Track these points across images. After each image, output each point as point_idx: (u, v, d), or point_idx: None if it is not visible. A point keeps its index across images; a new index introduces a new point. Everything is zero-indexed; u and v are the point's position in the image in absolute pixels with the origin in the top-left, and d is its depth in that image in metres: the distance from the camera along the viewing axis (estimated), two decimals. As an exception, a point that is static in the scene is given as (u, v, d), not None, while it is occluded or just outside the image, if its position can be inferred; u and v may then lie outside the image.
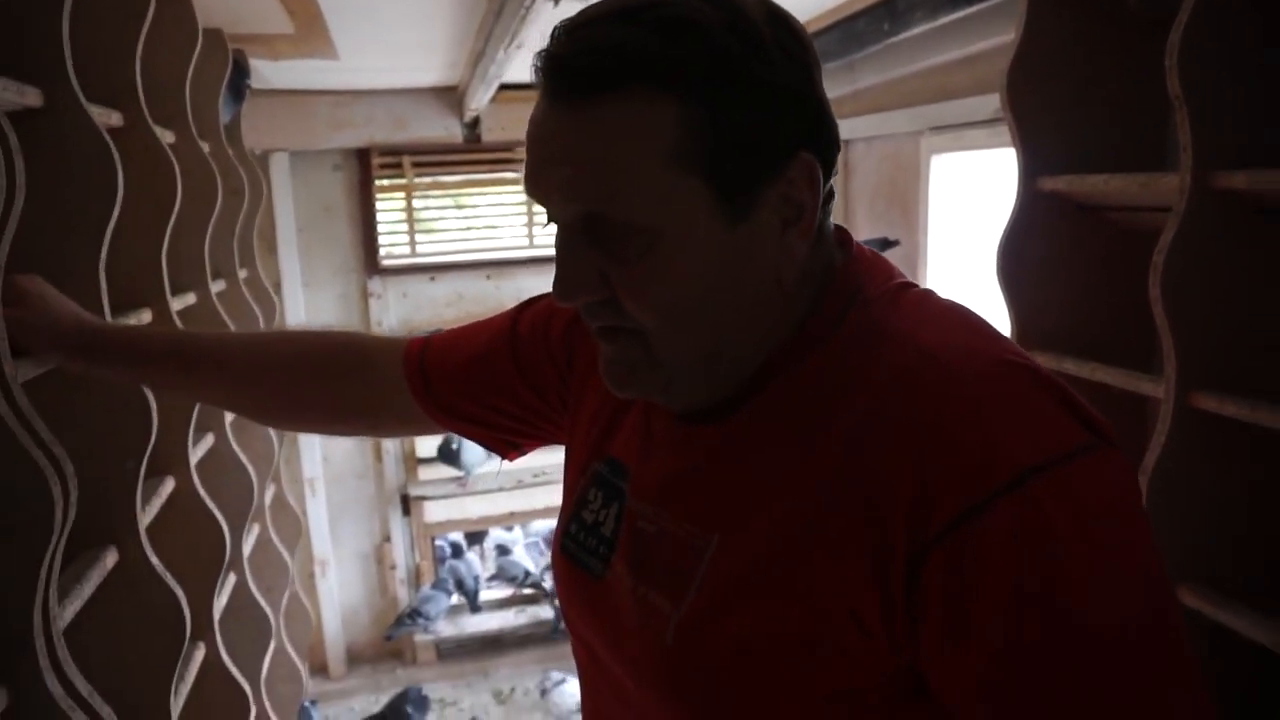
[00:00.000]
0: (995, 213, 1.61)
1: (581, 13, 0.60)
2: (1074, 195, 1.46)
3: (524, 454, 1.00)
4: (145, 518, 1.18)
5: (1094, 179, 1.38)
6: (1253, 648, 1.11)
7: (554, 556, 0.81)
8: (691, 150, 0.58)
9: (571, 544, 0.77)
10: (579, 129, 0.59)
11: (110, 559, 1.10)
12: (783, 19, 0.62)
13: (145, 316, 1.33)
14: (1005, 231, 1.50)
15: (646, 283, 0.61)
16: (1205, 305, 1.19)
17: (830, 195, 0.66)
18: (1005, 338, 0.66)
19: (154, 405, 1.14)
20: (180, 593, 1.17)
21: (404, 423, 0.99)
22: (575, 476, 0.82)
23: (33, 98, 1.00)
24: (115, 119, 1.27)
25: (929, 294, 0.69)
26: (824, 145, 0.63)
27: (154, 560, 1.16)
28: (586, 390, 0.83)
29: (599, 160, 0.58)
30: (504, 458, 1.00)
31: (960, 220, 2.62)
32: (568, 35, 0.59)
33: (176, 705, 1.21)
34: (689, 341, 0.64)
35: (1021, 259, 1.50)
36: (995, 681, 0.55)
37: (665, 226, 0.59)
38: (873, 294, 0.66)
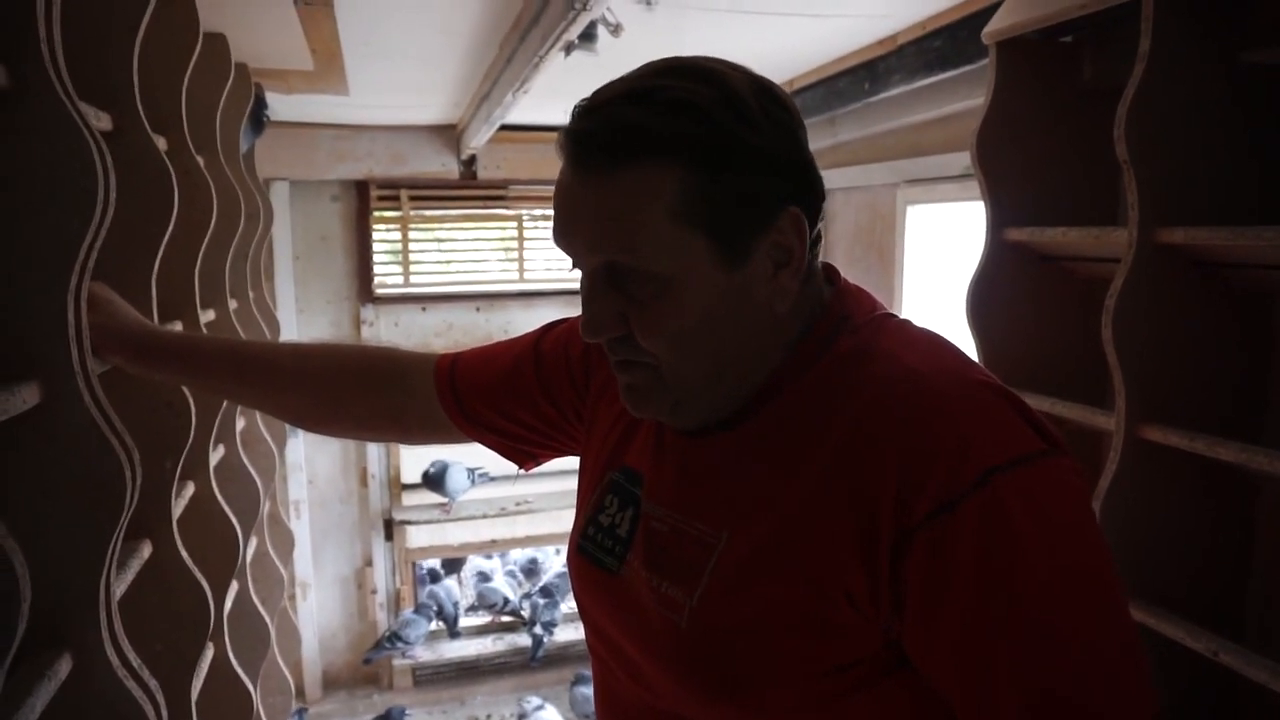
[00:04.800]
0: (964, 260, 1.73)
1: (597, 93, 0.71)
2: (1036, 245, 1.60)
3: (539, 464, 1.08)
4: (175, 516, 1.26)
5: (1054, 231, 1.52)
6: (1193, 656, 1.23)
7: (570, 556, 0.90)
8: (693, 209, 0.68)
9: (589, 544, 0.86)
10: (600, 193, 0.68)
11: (146, 550, 1.18)
12: (769, 90, 0.72)
13: (177, 328, 1.42)
14: (974, 277, 1.64)
15: (658, 320, 0.71)
16: (1151, 346, 1.32)
17: (818, 238, 0.77)
18: (973, 360, 0.77)
19: (194, 410, 1.22)
20: (206, 584, 1.25)
21: (432, 431, 1.07)
22: (590, 485, 0.91)
23: (106, 122, 1.10)
24: (163, 144, 1.37)
25: (907, 322, 0.80)
26: (809, 197, 0.73)
27: (184, 555, 1.23)
28: (601, 407, 0.93)
29: (617, 219, 0.68)
30: (521, 467, 1.09)
31: (931, 266, 2.78)
32: (587, 114, 0.69)
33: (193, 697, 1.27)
34: (695, 368, 0.74)
35: (989, 302, 1.63)
36: (961, 649, 0.66)
37: (673, 273, 0.69)
38: (859, 321, 0.77)
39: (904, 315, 0.83)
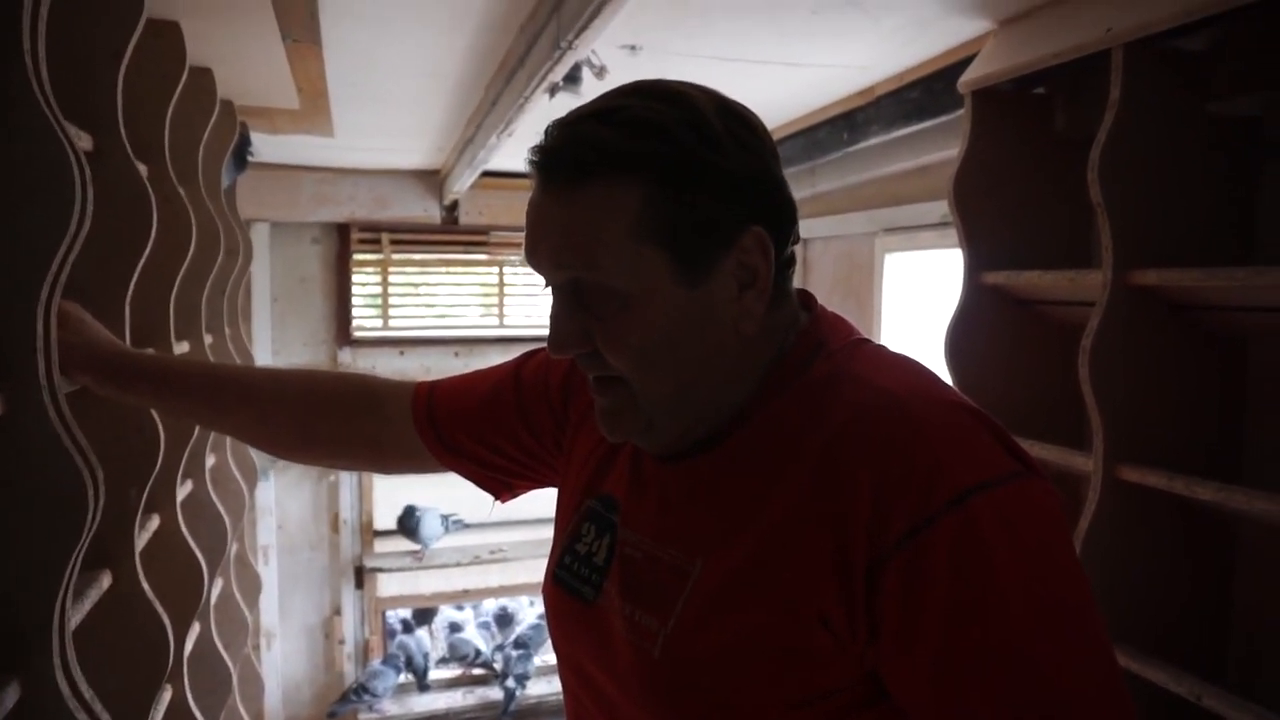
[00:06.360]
0: (941, 305, 1.75)
1: (569, 114, 0.73)
2: (1012, 289, 1.62)
3: (515, 496, 1.06)
4: (138, 547, 1.22)
5: (1029, 274, 1.55)
6: (1175, 700, 1.21)
7: (546, 587, 0.88)
8: (654, 225, 0.68)
9: (565, 574, 0.84)
10: (565, 209, 0.70)
11: (105, 581, 1.14)
12: (736, 113, 0.74)
13: (150, 357, 1.39)
14: (952, 320, 1.65)
15: (619, 336, 0.71)
16: (1128, 386, 1.33)
17: (791, 260, 0.78)
18: (947, 384, 0.77)
19: (163, 438, 1.19)
20: (167, 621, 1.20)
21: (408, 460, 1.05)
22: (568, 514, 0.89)
23: (87, 142, 1.10)
24: (144, 171, 1.36)
25: (883, 348, 0.80)
26: (777, 218, 0.74)
27: (145, 587, 1.19)
28: (580, 435, 0.92)
29: (579, 234, 0.69)
30: (496, 498, 1.07)
31: (909, 313, 2.81)
32: (557, 133, 0.71)
33: (148, 739, 1.22)
34: (659, 386, 0.74)
35: (966, 345, 1.65)
36: (938, 676, 0.64)
37: (634, 289, 0.70)
38: (835, 346, 0.77)
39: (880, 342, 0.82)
